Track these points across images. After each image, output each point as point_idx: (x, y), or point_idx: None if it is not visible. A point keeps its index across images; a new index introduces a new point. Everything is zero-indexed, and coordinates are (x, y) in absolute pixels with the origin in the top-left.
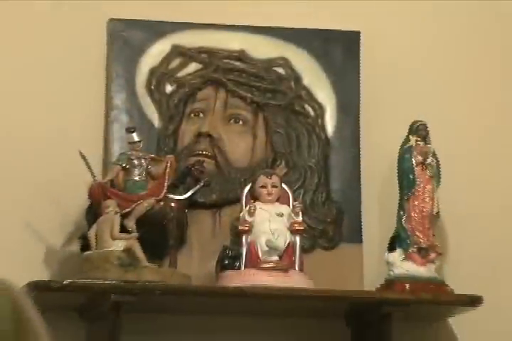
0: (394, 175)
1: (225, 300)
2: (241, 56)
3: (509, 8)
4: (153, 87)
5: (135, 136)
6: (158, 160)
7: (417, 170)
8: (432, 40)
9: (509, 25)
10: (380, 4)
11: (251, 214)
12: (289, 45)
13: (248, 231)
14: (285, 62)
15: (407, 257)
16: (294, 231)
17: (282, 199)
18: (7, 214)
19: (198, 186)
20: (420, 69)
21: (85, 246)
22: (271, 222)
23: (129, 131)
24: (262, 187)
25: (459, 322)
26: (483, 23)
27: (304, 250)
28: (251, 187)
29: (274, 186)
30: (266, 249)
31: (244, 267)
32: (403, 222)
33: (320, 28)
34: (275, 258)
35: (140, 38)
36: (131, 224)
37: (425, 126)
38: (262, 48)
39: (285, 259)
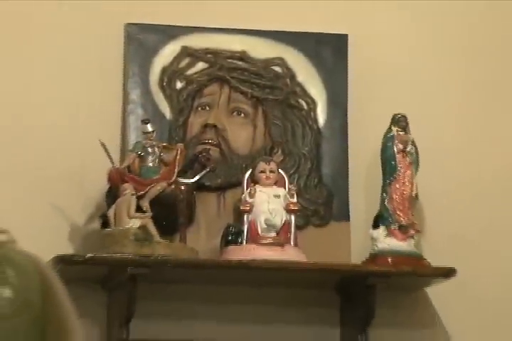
0: (378, 162)
1: (229, 272)
2: (242, 56)
3: (490, 9)
4: (165, 84)
5: (149, 127)
6: (170, 148)
7: (398, 157)
8: (415, 41)
9: (490, 26)
10: (365, 11)
11: (251, 195)
12: (285, 47)
13: (249, 211)
14: (282, 62)
15: (389, 233)
16: (289, 211)
17: (279, 182)
18: (37, 196)
19: (204, 171)
20: (402, 68)
21: (105, 223)
22: (269, 202)
23: (144, 122)
24: (261, 172)
25: (434, 291)
26: (464, 25)
27: (298, 227)
28: (251, 172)
29: (271, 171)
30: (265, 226)
31: (246, 242)
32: (386, 202)
33: (312, 31)
34: (273, 234)
35: (153, 41)
36: (145, 204)
37: (405, 117)
38: (261, 49)
39: (281, 235)
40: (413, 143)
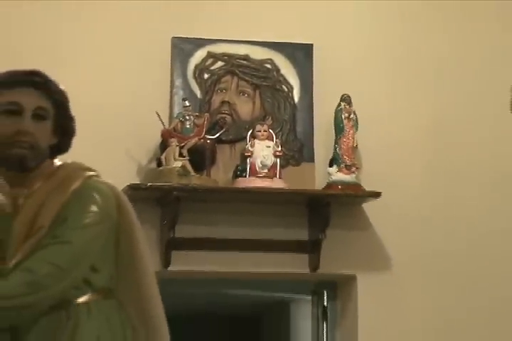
0: (332, 124)
1: (237, 194)
2: (246, 58)
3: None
4: (196, 75)
5: (187, 103)
6: (200, 116)
7: (345, 121)
8: (358, 47)
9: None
10: (324, 28)
11: (252, 146)
12: (273, 52)
13: (250, 156)
14: (271, 61)
15: (339, 170)
16: (276, 156)
17: (269, 138)
18: (117, 146)
19: (221, 131)
20: (348, 65)
21: (159, 164)
22: (263, 150)
23: (183, 100)
24: (258, 131)
25: (368, 207)
26: (407, 35)
27: (282, 166)
28: (252, 131)
29: (265, 131)
30: (260, 165)
31: (248, 176)
32: (337, 150)
33: (290, 41)
34: (265, 171)
35: (189, 48)
36: (185, 152)
37: (349, 96)
38: (258, 53)
39: (271, 171)
40: (354, 113)
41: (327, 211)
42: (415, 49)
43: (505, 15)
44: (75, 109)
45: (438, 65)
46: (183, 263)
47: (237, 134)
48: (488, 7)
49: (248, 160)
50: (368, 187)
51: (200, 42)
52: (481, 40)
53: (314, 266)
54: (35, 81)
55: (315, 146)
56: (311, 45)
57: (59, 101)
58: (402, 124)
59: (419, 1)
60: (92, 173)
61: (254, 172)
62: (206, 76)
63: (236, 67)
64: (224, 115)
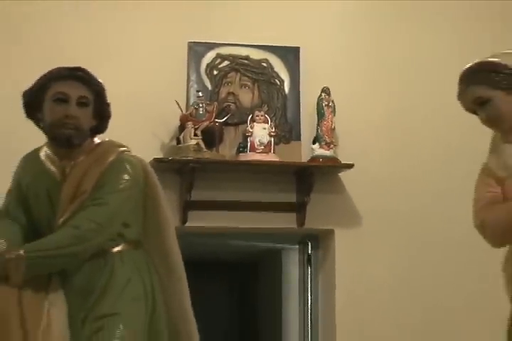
0: (315, 111)
1: (240, 166)
2: (247, 58)
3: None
4: (208, 72)
5: (200, 94)
6: (210, 104)
7: (325, 108)
8: (342, 48)
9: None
10: (310, 33)
11: (251, 128)
12: (268, 53)
13: (250, 136)
14: (266, 61)
15: (321, 146)
16: (270, 135)
17: (265, 121)
18: (145, 128)
19: (227, 116)
20: (328, 64)
21: (178, 141)
22: (260, 131)
23: (197, 91)
24: (257, 116)
25: (343, 175)
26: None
27: (275, 143)
28: (251, 116)
29: (262, 115)
30: (258, 143)
31: (248, 151)
32: (319, 131)
33: (281, 45)
34: (262, 147)
35: (202, 50)
36: (198, 132)
37: (328, 88)
38: (256, 54)
39: (267, 148)
40: (332, 101)
41: (311, 179)
42: (383, 49)
43: (462, 18)
44: (113, 97)
45: (401, 61)
46: (197, 220)
47: (240, 118)
48: (442, 9)
49: (248, 139)
50: (343, 160)
51: (211, 46)
52: (438, 38)
53: (301, 222)
54: (78, 75)
55: (301, 128)
56: (298, 48)
57: (97, 91)
58: (371, 110)
59: (386, 11)
60: (124, 149)
61: (253, 149)
62: (215, 72)
63: (239, 65)
64: (229, 103)
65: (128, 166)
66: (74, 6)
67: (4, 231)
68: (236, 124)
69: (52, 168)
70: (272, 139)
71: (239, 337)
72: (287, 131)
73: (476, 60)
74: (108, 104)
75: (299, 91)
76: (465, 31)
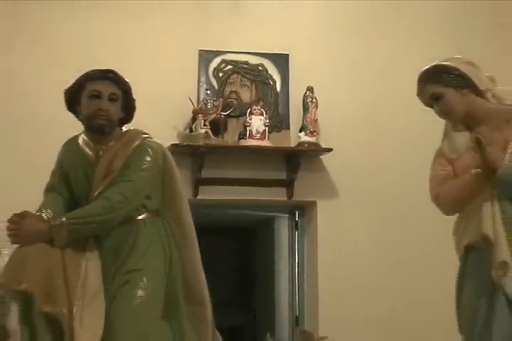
0: (301, 105)
1: (241, 150)
2: (246, 63)
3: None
4: (215, 74)
5: (208, 92)
6: (217, 100)
7: (310, 103)
8: (323, 55)
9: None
10: (298, 42)
11: (250, 119)
12: (264, 59)
13: (249, 126)
14: (262, 65)
15: (306, 134)
16: (265, 125)
17: (261, 114)
18: (164, 120)
19: (230, 110)
20: (314, 67)
21: (191, 130)
22: (257, 122)
23: (206, 90)
24: (254, 109)
25: (324, 158)
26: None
27: (269, 132)
28: (250, 110)
29: (258, 109)
30: (255, 132)
31: (248, 138)
32: (304, 122)
33: (274, 52)
34: (259, 135)
35: (210, 56)
36: (207, 123)
37: (312, 87)
38: (254, 60)
39: (262, 135)
40: (315, 98)
41: (298, 160)
42: (359, 56)
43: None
44: (138, 94)
45: (375, 64)
46: (206, 194)
47: (241, 112)
48: (414, 22)
49: (247, 128)
50: (323, 145)
51: (217, 53)
52: (407, 47)
53: (289, 195)
54: (109, 76)
55: (290, 119)
56: (288, 54)
57: (125, 89)
58: (348, 105)
59: (362, 24)
60: (146, 136)
61: (251, 136)
62: (221, 74)
63: (240, 69)
64: (232, 100)
65: (149, 150)
66: (108, 20)
67: (50, 203)
68: (237, 116)
69: (88, 152)
70: (266, 128)
71: (239, 286)
72: (279, 122)
73: (432, 63)
74: (133, 100)
75: (288, 90)
76: (432, 42)
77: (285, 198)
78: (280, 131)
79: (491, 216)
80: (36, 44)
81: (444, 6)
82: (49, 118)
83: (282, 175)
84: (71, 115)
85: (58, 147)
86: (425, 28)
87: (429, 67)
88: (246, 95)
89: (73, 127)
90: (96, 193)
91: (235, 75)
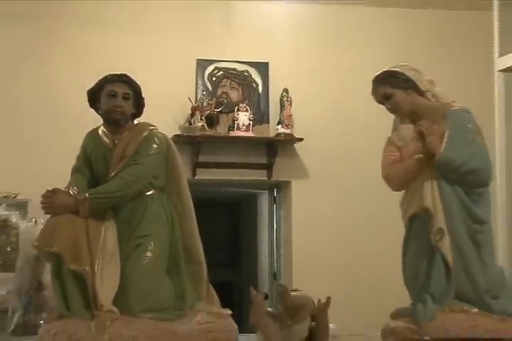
0: (278, 104)
1: (230, 139)
2: (234, 69)
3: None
4: (209, 78)
5: (204, 92)
6: (211, 99)
7: (285, 102)
8: (297, 63)
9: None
10: (277, 52)
11: (237, 115)
12: (248, 66)
13: (237, 120)
14: (247, 71)
15: (282, 127)
16: (249, 120)
17: (246, 110)
18: (168, 115)
19: (222, 107)
20: (289, 72)
21: (190, 124)
22: (243, 117)
23: (202, 92)
24: (241, 107)
25: (297, 146)
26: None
27: (252, 125)
28: (237, 107)
29: (244, 107)
30: (242, 125)
31: (235, 130)
32: (281, 117)
33: (256, 61)
34: (244, 127)
35: (205, 64)
36: (203, 118)
37: (287, 89)
38: (240, 67)
39: (247, 128)
40: (290, 98)
41: (275, 148)
42: (328, 63)
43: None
44: (147, 94)
45: (341, 70)
46: (202, 174)
47: (230, 109)
48: (379, 36)
49: (235, 122)
50: (296, 135)
51: (211, 62)
52: (370, 57)
53: (269, 176)
54: (123, 79)
55: (270, 115)
56: (268, 63)
57: (136, 90)
58: (316, 103)
59: (326, 37)
60: (153, 127)
61: (238, 128)
62: (214, 79)
63: (229, 74)
64: (223, 99)
65: (156, 139)
66: (125, 37)
67: (76, 181)
68: (227, 112)
69: (107, 140)
70: (251, 122)
71: (229, 249)
72: (260, 117)
73: (383, 69)
74: (143, 98)
75: (268, 91)
76: (384, 52)
77: (265, 178)
78: (261, 124)
79: (430, 192)
80: (71, 55)
81: (394, 24)
82: (75, 115)
83: (263, 160)
84: (93, 113)
85: (82, 137)
86: (379, 41)
87: (381, 72)
88: (234, 95)
89: (94, 123)
90: (112, 174)
91: (225, 79)
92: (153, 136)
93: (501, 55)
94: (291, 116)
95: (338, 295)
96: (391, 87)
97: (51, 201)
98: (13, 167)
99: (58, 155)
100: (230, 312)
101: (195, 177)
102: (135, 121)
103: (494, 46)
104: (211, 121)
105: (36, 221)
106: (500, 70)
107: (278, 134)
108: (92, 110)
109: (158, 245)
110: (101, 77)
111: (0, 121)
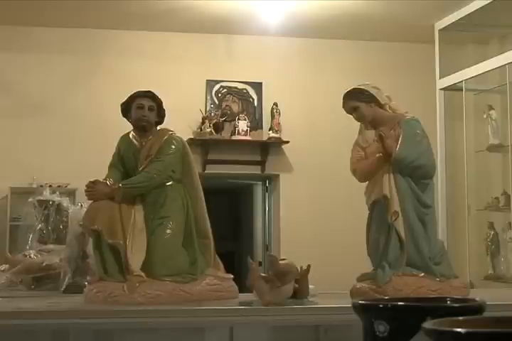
0: (270, 114)
1: (232, 142)
2: (235, 88)
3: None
4: (216, 95)
5: (212, 106)
6: (217, 111)
7: (275, 113)
8: (285, 82)
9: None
10: (269, 73)
11: (238, 123)
12: (247, 85)
13: (237, 127)
14: (246, 89)
15: (273, 132)
16: (247, 126)
17: (245, 119)
18: (184, 123)
19: (225, 117)
20: (279, 90)
21: (201, 129)
22: (242, 124)
23: (211, 104)
24: (240, 116)
25: (284, 147)
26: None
27: (250, 131)
28: (238, 117)
29: (243, 117)
30: (241, 131)
31: (236, 135)
32: (272, 124)
33: (252, 81)
34: (243, 133)
35: (212, 84)
36: (211, 125)
37: (277, 103)
38: (241, 86)
39: (246, 133)
40: (279, 109)
41: (267, 149)
42: (309, 82)
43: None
44: (168, 107)
45: (320, 88)
46: (210, 169)
47: (232, 118)
48: (357, 62)
49: (236, 129)
50: (284, 139)
51: (217, 82)
52: (338, 76)
53: (262, 170)
54: (149, 95)
55: (263, 123)
56: (261, 82)
57: (158, 103)
58: (300, 114)
59: (309, 61)
60: (172, 132)
61: (238, 133)
62: (219, 95)
63: (232, 91)
64: (227, 110)
65: (174, 141)
66: (149, 63)
67: (112, 174)
68: (230, 121)
69: (136, 142)
70: (248, 128)
71: (231, 227)
72: (256, 124)
73: (351, 87)
74: (164, 110)
75: (262, 105)
76: (352, 75)
77: (259, 172)
78: (257, 130)
79: (388, 182)
80: (109, 78)
81: (359, 54)
82: (112, 123)
83: (258, 158)
84: (125, 121)
85: (117, 140)
86: (347, 67)
87: (350, 89)
88: (235, 108)
89: (126, 128)
90: (140, 169)
91: (228, 95)
92: (172, 139)
93: (441, 77)
94: (279, 123)
95: (316, 263)
96: (357, 101)
97: (93, 190)
98: (65, 163)
99: (99, 153)
100: (232, 276)
101: (205, 171)
102: (158, 128)
103: (436, 70)
104: (217, 127)
105: (82, 205)
106: (441, 89)
107: (269, 138)
108: (125, 119)
109: (176, 224)
110: (131, 93)
111: (57, 128)
